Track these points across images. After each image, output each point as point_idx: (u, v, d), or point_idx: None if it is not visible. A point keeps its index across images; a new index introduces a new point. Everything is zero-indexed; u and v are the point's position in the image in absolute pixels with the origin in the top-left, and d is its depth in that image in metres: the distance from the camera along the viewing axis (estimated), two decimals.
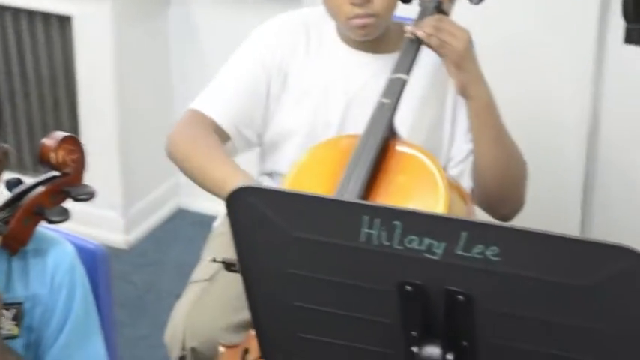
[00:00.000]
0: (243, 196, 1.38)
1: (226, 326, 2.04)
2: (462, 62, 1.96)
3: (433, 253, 1.32)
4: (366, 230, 1.34)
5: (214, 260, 1.84)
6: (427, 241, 1.32)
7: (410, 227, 1.32)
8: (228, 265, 1.81)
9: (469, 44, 1.97)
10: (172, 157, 2.08)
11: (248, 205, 1.38)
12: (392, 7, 2.04)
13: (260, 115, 2.11)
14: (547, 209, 3.08)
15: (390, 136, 1.94)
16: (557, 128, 3.02)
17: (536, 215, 2.97)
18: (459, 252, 1.31)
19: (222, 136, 2.08)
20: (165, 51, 3.43)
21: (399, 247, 1.34)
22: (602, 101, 2.94)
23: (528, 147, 2.97)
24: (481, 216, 2.16)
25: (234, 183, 1.81)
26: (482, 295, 1.34)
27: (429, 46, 1.98)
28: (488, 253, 1.29)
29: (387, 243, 1.34)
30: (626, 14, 2.74)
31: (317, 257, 1.41)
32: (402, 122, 2.02)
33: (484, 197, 2.09)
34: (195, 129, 2.07)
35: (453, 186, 1.96)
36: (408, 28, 1.99)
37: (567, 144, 3.03)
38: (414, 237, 1.32)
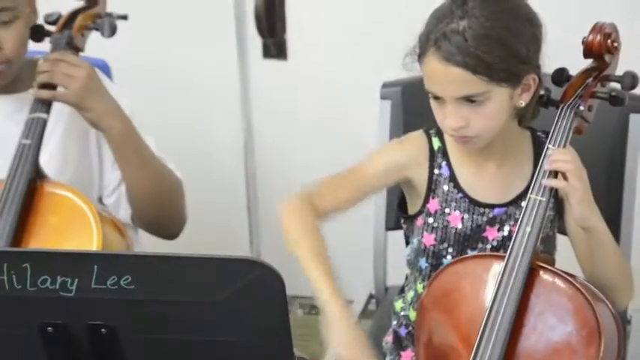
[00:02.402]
0: None
1: None
2: (81, 103, 1.93)
3: (68, 291, 1.31)
4: None
5: None
6: (60, 279, 1.30)
7: (39, 268, 1.29)
8: None
9: (89, 82, 1.94)
10: None
11: None
12: (23, 49, 1.97)
13: None
14: (215, 229, 3.13)
15: (37, 177, 1.90)
16: (214, 147, 3.08)
17: (205, 236, 3.01)
18: (94, 286, 1.30)
19: None
20: None
21: (33, 289, 1.31)
22: (252, 116, 3.03)
23: (187, 169, 3.01)
24: (148, 242, 2.16)
25: None
26: (123, 325, 1.34)
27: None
28: (122, 282, 1.29)
29: (19, 286, 1.31)
30: (260, 30, 2.84)
31: None
32: (49, 160, 1.98)
33: (143, 220, 2.08)
34: None
35: (108, 220, 1.95)
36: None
37: (226, 161, 3.09)
38: (46, 277, 1.30)
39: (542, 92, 1.83)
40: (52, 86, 1.94)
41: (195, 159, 3.05)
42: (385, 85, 2.13)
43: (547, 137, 1.84)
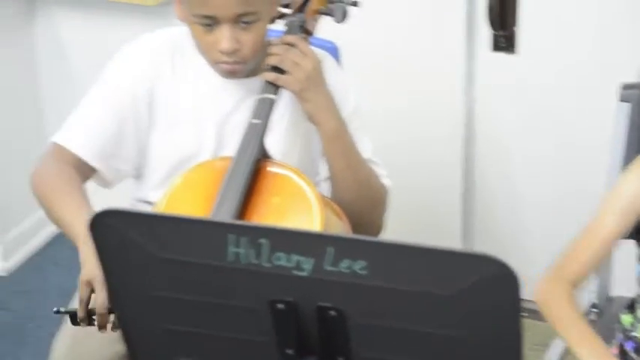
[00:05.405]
0: (105, 219, 1.35)
1: (111, 356, 1.97)
2: (302, 92, 1.94)
3: (302, 270, 1.31)
4: (233, 249, 1.32)
5: (57, 312, 1.81)
6: (295, 257, 1.31)
7: (277, 244, 1.30)
8: (72, 318, 1.80)
9: (314, 74, 1.94)
10: (34, 194, 2.00)
11: (111, 228, 1.35)
12: (261, 47, 1.98)
13: (132, 147, 2.04)
14: (428, 218, 3.11)
15: (262, 157, 1.93)
16: (434, 138, 3.05)
17: (417, 224, 3.00)
18: (327, 267, 1.30)
19: (87, 171, 2.00)
20: (31, 68, 3.35)
21: (268, 265, 1.32)
22: (474, 110, 2.98)
23: (405, 156, 3.00)
24: None
25: (77, 227, 1.79)
26: (353, 309, 1.33)
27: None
28: (356, 267, 1.28)
29: (256, 261, 1.32)
30: (492, 22, 2.78)
31: (185, 279, 1.39)
32: (275, 143, 2.00)
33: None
34: (55, 166, 1.97)
35: (328, 203, 1.95)
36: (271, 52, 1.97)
37: (445, 152, 3.06)
38: (281, 254, 1.31)
39: None
40: (280, 70, 1.96)
41: (413, 145, 3.04)
42: (626, 87, 2.05)
43: None
